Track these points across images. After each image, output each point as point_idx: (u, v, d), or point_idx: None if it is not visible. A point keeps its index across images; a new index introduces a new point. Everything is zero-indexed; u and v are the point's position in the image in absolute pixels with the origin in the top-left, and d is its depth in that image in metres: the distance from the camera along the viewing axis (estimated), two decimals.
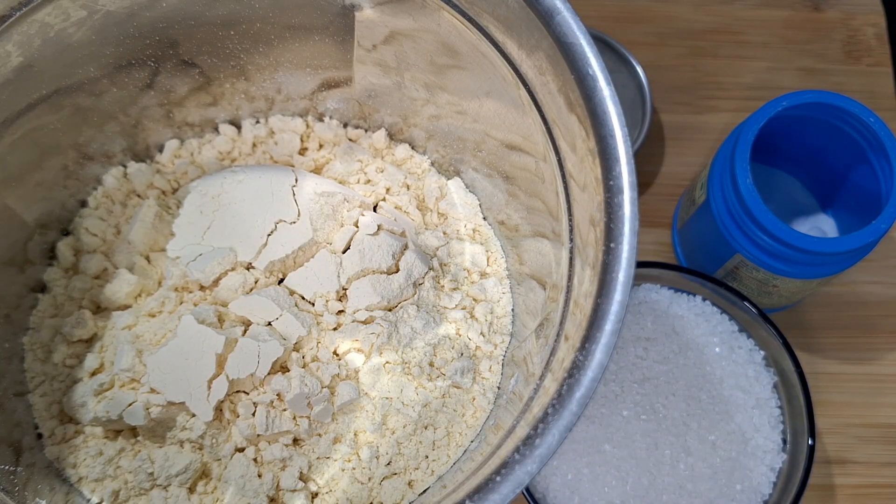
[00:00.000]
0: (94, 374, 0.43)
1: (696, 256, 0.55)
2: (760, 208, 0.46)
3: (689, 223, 0.54)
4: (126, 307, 0.45)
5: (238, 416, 0.41)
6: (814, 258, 0.46)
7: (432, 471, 0.42)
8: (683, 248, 0.56)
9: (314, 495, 0.42)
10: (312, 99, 0.50)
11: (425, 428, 0.43)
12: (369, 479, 0.42)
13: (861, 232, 0.45)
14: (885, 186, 0.47)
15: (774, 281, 0.49)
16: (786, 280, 0.49)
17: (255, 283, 0.44)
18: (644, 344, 0.50)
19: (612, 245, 0.30)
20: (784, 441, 0.48)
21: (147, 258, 0.46)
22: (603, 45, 0.59)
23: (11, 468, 0.39)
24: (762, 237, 0.47)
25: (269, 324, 0.43)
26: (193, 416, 0.40)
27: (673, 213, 0.58)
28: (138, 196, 0.48)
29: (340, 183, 0.48)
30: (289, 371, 0.42)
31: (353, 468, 0.42)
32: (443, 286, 0.46)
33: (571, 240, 0.36)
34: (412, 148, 0.51)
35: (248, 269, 0.44)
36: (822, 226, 0.56)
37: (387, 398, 0.43)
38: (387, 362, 0.43)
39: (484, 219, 0.49)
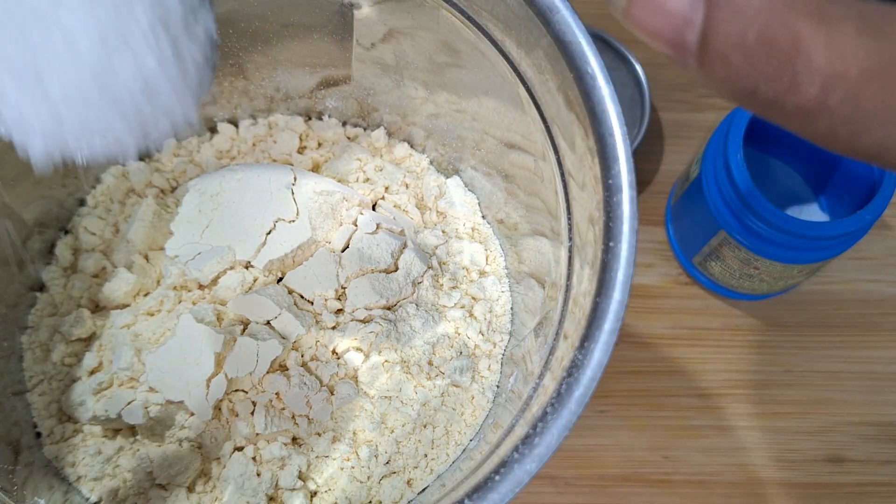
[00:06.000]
0: (92, 372, 0.43)
1: (685, 234, 0.55)
2: (747, 183, 0.46)
3: (682, 199, 0.54)
4: (125, 306, 0.45)
5: (237, 416, 0.41)
6: (792, 240, 0.46)
7: (431, 469, 0.42)
8: (675, 225, 0.57)
9: (313, 494, 0.42)
10: (311, 97, 0.50)
11: (424, 427, 0.43)
12: (368, 477, 0.42)
13: (843, 220, 0.45)
14: (878, 180, 0.47)
15: (756, 262, 0.49)
16: (766, 262, 0.49)
17: (254, 281, 0.44)
18: None
19: (611, 244, 0.30)
20: None
21: (146, 257, 0.46)
22: (602, 43, 0.59)
23: (10, 467, 0.39)
24: (745, 212, 0.47)
25: (268, 322, 0.43)
26: (192, 414, 0.41)
27: (669, 195, 0.59)
28: (137, 195, 0.48)
29: (339, 181, 0.48)
30: (287, 370, 0.42)
31: (352, 467, 0.42)
32: (441, 285, 0.46)
33: (570, 238, 0.36)
34: (411, 146, 0.51)
35: (246, 267, 0.44)
36: (816, 218, 0.56)
37: (386, 397, 0.43)
38: (385, 361, 0.43)
39: (483, 217, 0.49)
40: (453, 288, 0.46)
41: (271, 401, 0.41)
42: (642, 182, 0.59)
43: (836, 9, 0.16)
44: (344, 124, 0.51)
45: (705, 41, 0.17)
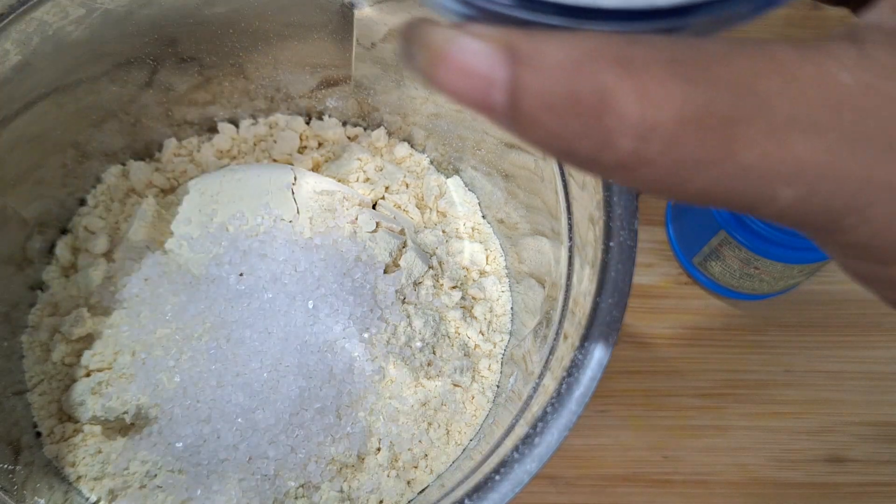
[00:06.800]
0: (92, 372, 0.43)
1: (685, 233, 0.55)
2: None
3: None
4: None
5: None
6: (792, 240, 0.46)
7: (431, 469, 0.42)
8: (675, 225, 0.56)
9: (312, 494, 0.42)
10: (312, 97, 0.50)
11: (424, 426, 0.43)
12: (368, 478, 0.42)
13: None
14: None
15: (756, 262, 0.49)
16: (766, 262, 0.49)
17: None
18: None
19: (611, 244, 0.30)
20: None
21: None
22: None
23: (10, 467, 0.39)
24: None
25: None
26: None
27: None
28: (137, 194, 0.48)
29: (339, 181, 0.48)
30: None
31: (353, 466, 0.42)
32: (442, 285, 0.46)
33: (570, 238, 0.36)
34: (411, 146, 0.51)
35: None
36: None
37: (386, 397, 0.43)
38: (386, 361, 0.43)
39: (483, 217, 0.49)
40: (453, 288, 0.46)
41: None
42: None
43: (644, 53, 0.15)
44: (344, 124, 0.51)
45: (513, 101, 0.15)
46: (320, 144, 0.51)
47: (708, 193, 0.15)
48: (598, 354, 0.29)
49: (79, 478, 0.41)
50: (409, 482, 0.42)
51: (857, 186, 0.15)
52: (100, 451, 0.41)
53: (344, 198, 0.46)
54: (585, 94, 0.15)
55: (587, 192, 0.33)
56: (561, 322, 0.34)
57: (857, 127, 0.15)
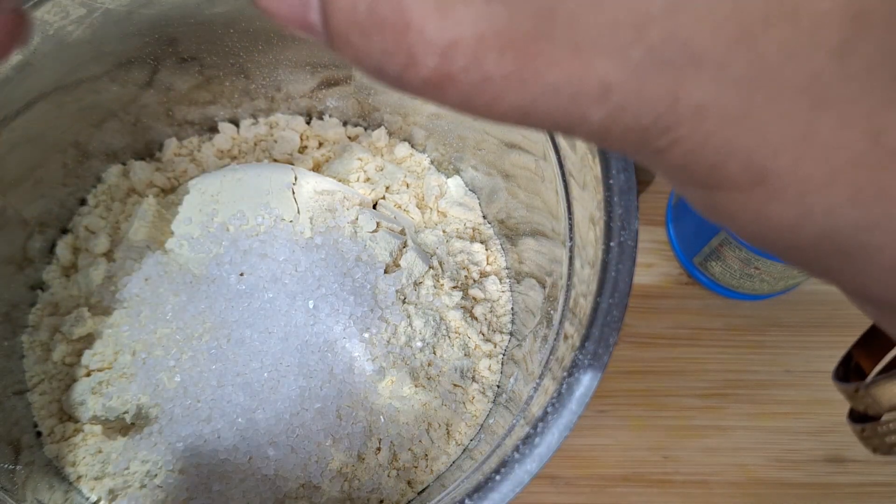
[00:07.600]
0: (92, 372, 0.43)
1: (685, 234, 0.55)
2: None
3: (682, 198, 0.54)
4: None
5: None
6: None
7: (431, 469, 0.42)
8: (675, 225, 0.56)
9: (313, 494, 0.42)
10: (312, 97, 0.50)
11: (425, 426, 0.43)
12: (369, 477, 0.42)
13: None
14: None
15: (756, 262, 0.49)
16: (766, 262, 0.49)
17: None
18: None
19: (611, 244, 0.30)
20: None
21: None
22: None
23: (11, 466, 0.39)
24: None
25: None
26: None
27: (669, 194, 0.59)
28: (138, 194, 0.48)
29: (340, 181, 0.48)
30: None
31: (353, 466, 0.42)
32: (442, 285, 0.46)
33: (571, 238, 0.36)
34: (412, 146, 0.51)
35: None
36: None
37: (386, 397, 0.43)
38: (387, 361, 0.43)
39: (483, 217, 0.49)
40: (454, 288, 0.46)
41: None
42: (642, 182, 0.59)
43: None
44: (345, 124, 0.51)
45: (326, 20, 0.15)
46: (321, 144, 0.51)
47: (519, 113, 0.15)
48: (599, 355, 0.29)
49: (79, 477, 0.41)
50: (409, 482, 0.42)
51: (663, 107, 0.15)
52: (100, 451, 0.41)
53: (344, 198, 0.46)
54: (386, 10, 0.14)
55: (588, 192, 0.33)
56: (561, 322, 0.34)
57: (662, 46, 0.14)
